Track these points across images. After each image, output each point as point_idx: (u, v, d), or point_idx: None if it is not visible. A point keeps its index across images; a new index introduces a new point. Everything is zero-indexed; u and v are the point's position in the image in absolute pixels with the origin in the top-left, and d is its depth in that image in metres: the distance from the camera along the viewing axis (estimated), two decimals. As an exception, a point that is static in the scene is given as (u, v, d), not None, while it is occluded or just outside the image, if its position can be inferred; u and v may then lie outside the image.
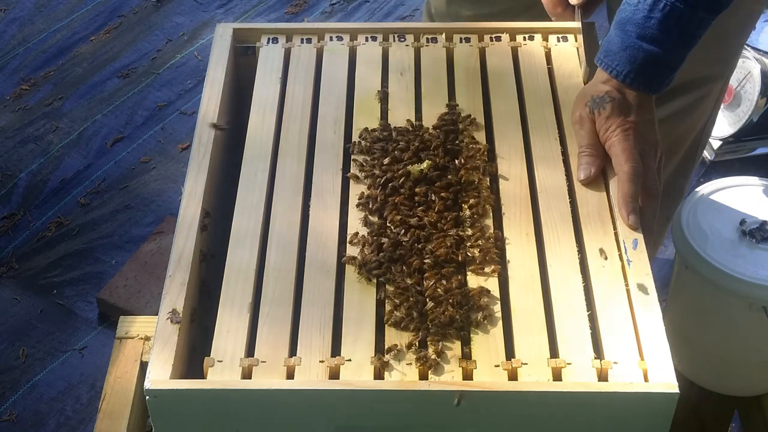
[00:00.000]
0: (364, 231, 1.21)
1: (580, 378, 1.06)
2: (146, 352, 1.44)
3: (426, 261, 1.17)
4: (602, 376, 1.07)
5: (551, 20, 1.46)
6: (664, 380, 1.06)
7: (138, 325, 1.49)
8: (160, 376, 1.06)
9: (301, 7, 3.13)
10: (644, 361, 1.08)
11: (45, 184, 2.59)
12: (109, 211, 2.53)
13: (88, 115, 2.78)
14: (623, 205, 1.21)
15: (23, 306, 2.31)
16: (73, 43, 3.01)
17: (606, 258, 1.17)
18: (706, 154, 2.62)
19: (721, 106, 2.58)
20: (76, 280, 2.37)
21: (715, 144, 2.61)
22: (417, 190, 1.24)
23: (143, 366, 1.42)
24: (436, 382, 1.06)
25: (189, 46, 3.00)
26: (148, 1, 3.16)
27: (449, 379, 1.07)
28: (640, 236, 1.19)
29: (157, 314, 1.12)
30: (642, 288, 1.14)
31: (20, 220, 2.50)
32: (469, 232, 1.20)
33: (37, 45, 2.99)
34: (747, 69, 2.51)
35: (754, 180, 1.41)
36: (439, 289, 1.14)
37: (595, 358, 1.08)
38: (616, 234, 1.20)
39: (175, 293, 1.14)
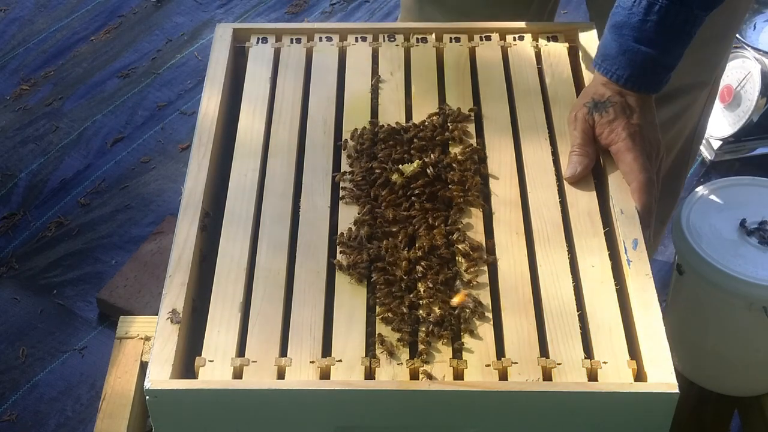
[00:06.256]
0: (353, 231, 1.21)
1: (570, 378, 1.06)
2: (146, 352, 1.44)
3: (416, 261, 1.17)
4: (592, 376, 1.07)
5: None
6: (664, 380, 1.06)
7: (138, 325, 1.49)
8: (160, 376, 1.06)
9: (301, 7, 3.13)
10: (634, 360, 1.08)
11: (45, 184, 2.58)
12: (109, 211, 2.52)
13: (88, 115, 2.77)
14: (642, 217, 1.21)
15: (23, 306, 2.31)
16: (73, 43, 3.00)
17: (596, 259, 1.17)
18: (706, 154, 2.62)
19: (721, 106, 2.58)
20: (76, 280, 2.37)
21: (715, 144, 2.60)
22: (407, 190, 1.24)
23: (143, 366, 1.42)
24: (426, 382, 1.06)
25: (189, 46, 3.00)
26: (148, 1, 3.15)
27: (440, 378, 1.07)
28: (640, 236, 1.19)
29: (157, 314, 1.12)
30: (642, 288, 1.14)
31: (20, 220, 2.50)
32: (459, 231, 1.20)
33: (37, 45, 2.99)
34: (747, 69, 2.51)
35: (754, 180, 1.41)
36: (429, 289, 1.14)
37: (585, 357, 1.08)
38: (606, 233, 1.20)
39: (175, 293, 1.14)
